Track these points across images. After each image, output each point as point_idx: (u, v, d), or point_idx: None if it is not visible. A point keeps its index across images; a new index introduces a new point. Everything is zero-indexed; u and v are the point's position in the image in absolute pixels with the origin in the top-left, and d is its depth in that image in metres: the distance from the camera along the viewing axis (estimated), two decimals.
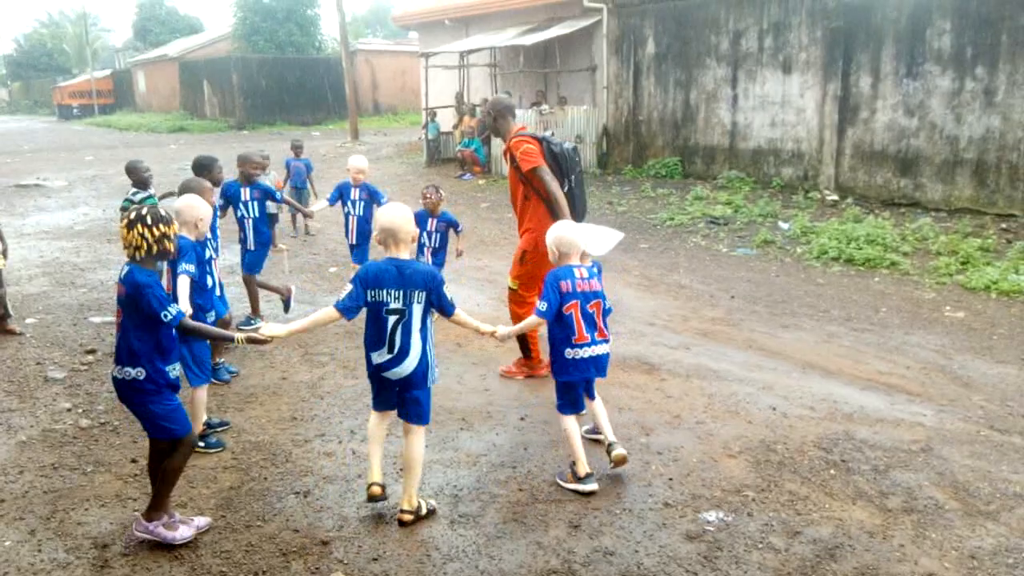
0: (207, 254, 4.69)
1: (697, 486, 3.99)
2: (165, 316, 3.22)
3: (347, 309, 3.51)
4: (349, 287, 3.54)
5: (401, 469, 4.02)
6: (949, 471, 4.17)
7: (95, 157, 21.98)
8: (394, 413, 3.75)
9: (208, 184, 5.23)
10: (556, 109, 16.10)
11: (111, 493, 3.97)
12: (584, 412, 4.29)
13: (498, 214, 12.42)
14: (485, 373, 5.64)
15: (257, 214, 6.55)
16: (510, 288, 5.50)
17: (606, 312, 4.06)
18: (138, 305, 3.22)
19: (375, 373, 3.63)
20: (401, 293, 3.50)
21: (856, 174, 12.52)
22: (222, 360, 5.61)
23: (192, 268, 4.25)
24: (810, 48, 12.94)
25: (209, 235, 4.70)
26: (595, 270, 4.09)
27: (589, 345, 3.95)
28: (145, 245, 3.25)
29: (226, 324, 5.07)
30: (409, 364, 3.55)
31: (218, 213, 6.09)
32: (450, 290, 3.65)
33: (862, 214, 11.10)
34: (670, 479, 4.06)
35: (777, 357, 6.15)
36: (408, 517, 3.62)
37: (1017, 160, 10.59)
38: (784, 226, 10.94)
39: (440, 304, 3.60)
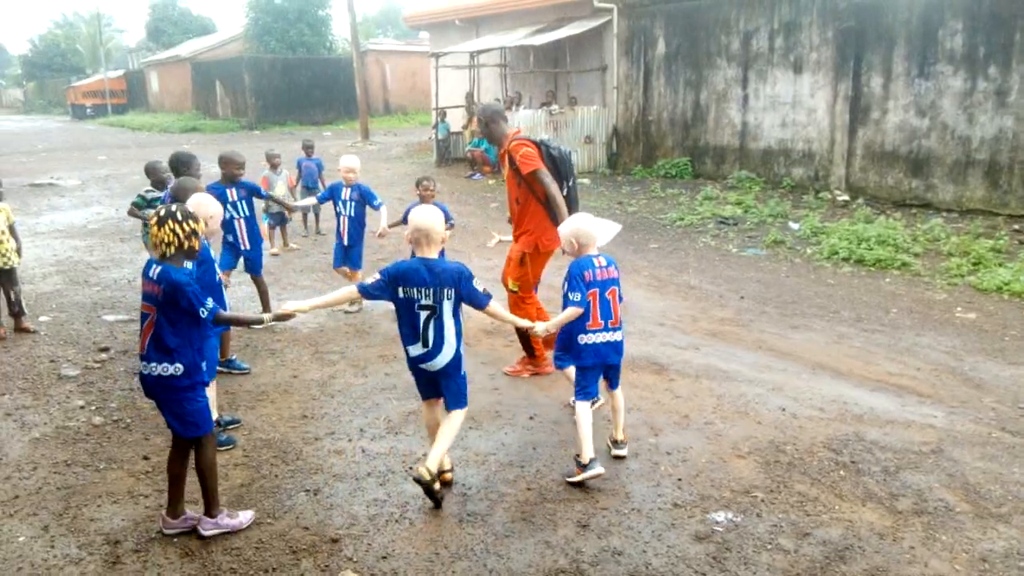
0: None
1: (706, 486, 3.99)
2: (203, 311, 3.34)
3: (368, 293, 3.67)
4: (377, 276, 3.67)
5: (409, 468, 4.06)
6: (960, 473, 4.15)
7: (108, 157, 22.13)
8: (441, 400, 3.86)
9: (199, 182, 5.17)
10: (566, 109, 16.12)
11: (123, 490, 4.01)
12: (599, 400, 4.45)
13: (508, 214, 12.39)
14: (494, 372, 5.65)
15: (247, 212, 6.42)
16: (510, 290, 5.51)
17: (619, 300, 4.17)
18: (176, 303, 3.30)
19: (413, 365, 3.79)
20: (431, 291, 3.61)
21: (867, 174, 12.46)
22: (234, 356, 5.68)
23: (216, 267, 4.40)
24: (821, 48, 12.89)
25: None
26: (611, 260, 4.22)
27: (601, 331, 4.07)
28: (176, 241, 3.35)
29: None
30: (443, 358, 3.69)
31: None
32: (481, 283, 3.71)
33: (873, 215, 11.04)
34: (679, 479, 4.06)
35: (787, 358, 6.13)
36: (426, 476, 3.57)
37: None
38: (794, 226, 10.90)
39: (471, 298, 3.68)
